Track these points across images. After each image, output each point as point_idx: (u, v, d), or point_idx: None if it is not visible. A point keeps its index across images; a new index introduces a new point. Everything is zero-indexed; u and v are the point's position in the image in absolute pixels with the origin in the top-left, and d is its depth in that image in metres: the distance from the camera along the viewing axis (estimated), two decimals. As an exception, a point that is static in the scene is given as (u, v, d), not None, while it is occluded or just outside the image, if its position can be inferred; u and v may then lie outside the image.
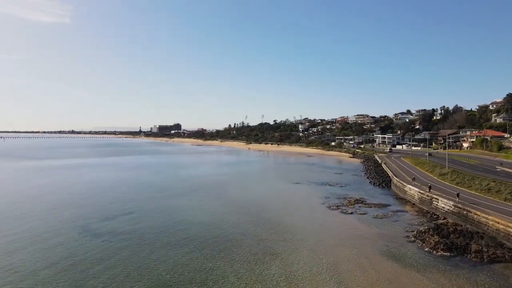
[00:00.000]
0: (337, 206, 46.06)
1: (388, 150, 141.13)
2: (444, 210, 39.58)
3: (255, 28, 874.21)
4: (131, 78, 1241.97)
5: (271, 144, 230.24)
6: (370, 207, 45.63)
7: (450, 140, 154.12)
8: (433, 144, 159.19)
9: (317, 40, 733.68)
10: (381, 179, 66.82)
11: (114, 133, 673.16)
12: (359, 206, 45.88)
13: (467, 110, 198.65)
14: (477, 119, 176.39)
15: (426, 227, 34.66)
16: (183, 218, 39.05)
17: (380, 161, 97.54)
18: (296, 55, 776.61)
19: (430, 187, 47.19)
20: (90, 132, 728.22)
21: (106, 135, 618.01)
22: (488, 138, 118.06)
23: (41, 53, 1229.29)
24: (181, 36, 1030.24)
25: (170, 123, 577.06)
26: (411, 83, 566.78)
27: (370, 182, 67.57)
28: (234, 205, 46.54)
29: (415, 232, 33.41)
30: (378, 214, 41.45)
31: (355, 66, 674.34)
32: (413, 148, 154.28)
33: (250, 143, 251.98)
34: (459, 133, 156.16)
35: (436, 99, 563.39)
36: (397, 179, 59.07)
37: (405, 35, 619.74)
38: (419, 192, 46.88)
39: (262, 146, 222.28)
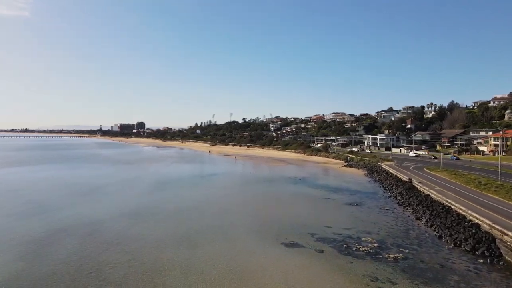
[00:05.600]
0: None
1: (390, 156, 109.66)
2: None
3: (223, 26, 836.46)
4: (97, 77, 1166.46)
5: (240, 146, 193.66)
6: None
7: (459, 143, 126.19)
8: (437, 147, 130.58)
9: (287, 37, 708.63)
10: (466, 233, 32.16)
11: (70, 132, 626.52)
12: None
13: (463, 107, 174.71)
14: (478, 117, 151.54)
15: None
16: None
17: (404, 178, 64.44)
18: (266, 53, 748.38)
19: None
20: (45, 131, 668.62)
21: (61, 134, 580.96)
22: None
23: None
24: (149, 34, 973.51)
25: (136, 122, 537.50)
26: (391, 80, 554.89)
27: (438, 237, 33.36)
28: None
29: None
30: None
31: (329, 64, 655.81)
32: (415, 152, 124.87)
33: (215, 144, 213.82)
34: (469, 133, 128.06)
35: (420, 96, 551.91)
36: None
37: (382, 33, 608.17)
38: None
39: (228, 149, 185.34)
